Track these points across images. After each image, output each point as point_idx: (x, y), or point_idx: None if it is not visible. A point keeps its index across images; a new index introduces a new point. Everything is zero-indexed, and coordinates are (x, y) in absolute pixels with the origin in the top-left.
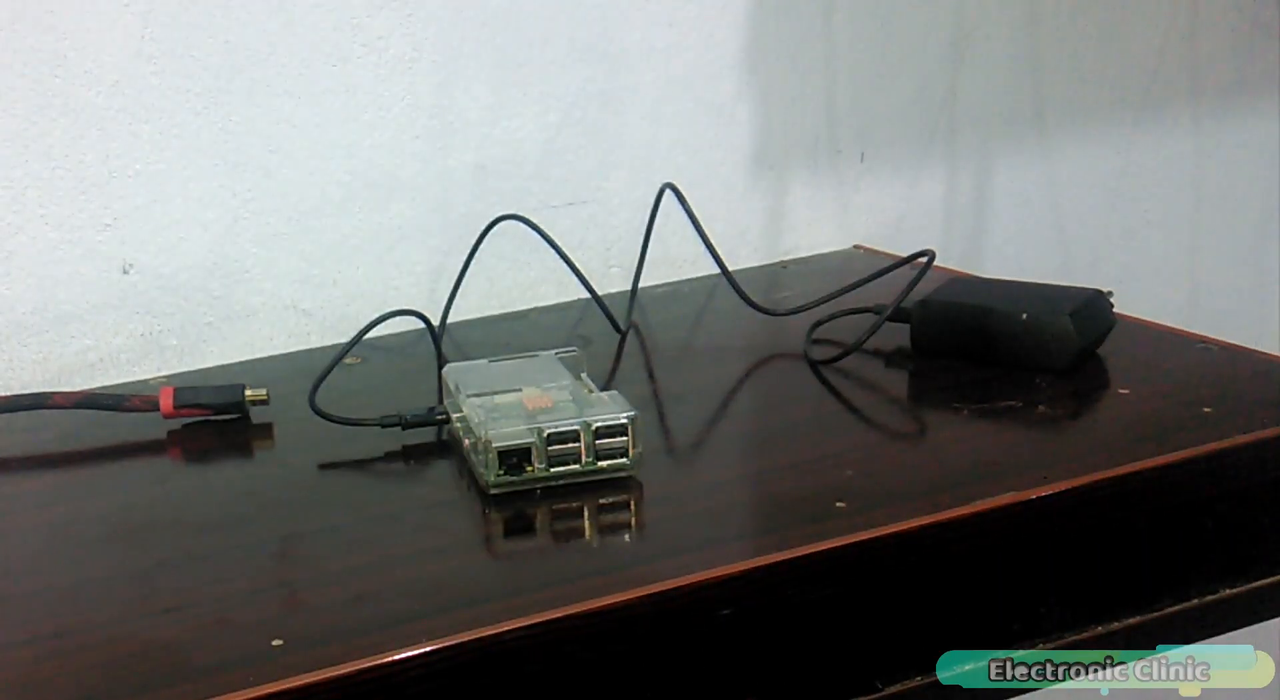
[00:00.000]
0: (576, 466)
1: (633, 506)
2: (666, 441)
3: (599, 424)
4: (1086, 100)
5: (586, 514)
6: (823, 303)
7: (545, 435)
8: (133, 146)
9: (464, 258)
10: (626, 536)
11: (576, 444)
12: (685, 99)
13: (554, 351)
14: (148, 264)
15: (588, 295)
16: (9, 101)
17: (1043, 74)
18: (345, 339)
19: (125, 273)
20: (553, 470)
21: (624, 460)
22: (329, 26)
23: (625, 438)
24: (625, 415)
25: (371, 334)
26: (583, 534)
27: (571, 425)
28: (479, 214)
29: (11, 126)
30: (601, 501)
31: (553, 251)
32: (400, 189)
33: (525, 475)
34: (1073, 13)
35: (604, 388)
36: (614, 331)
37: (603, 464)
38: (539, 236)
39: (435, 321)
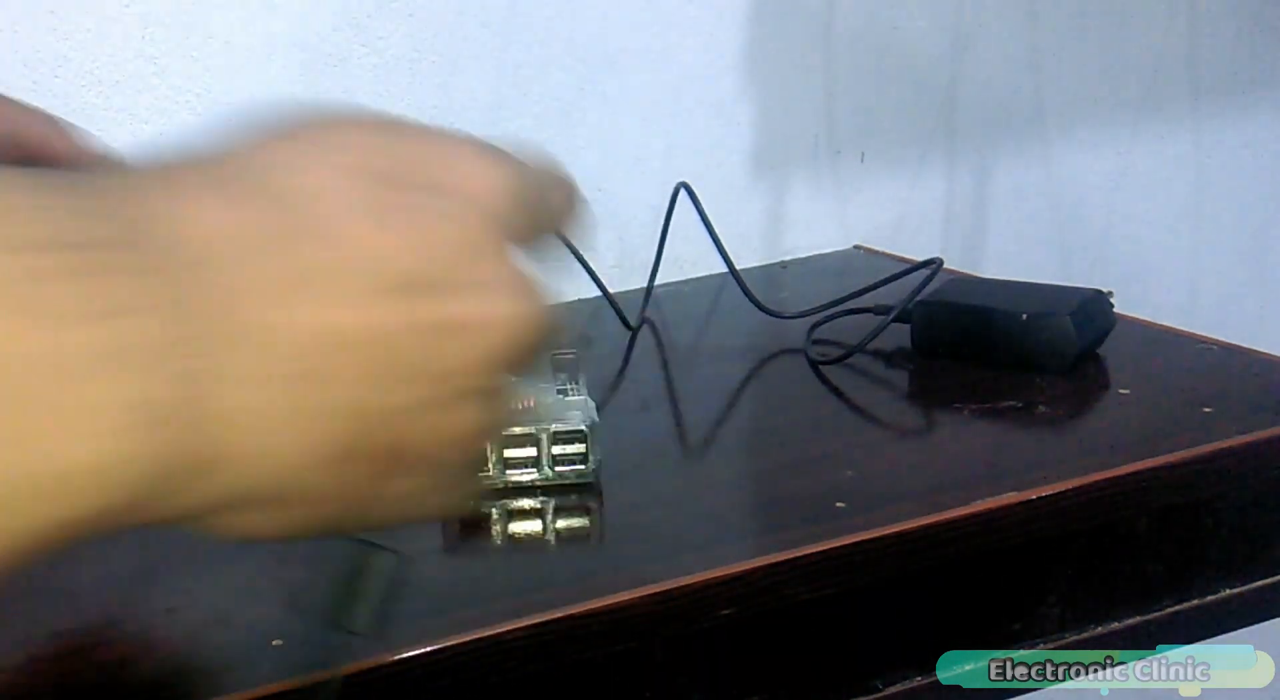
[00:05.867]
0: (535, 473)
1: (631, 507)
2: (667, 441)
3: (557, 430)
4: (1086, 100)
5: (589, 515)
6: (831, 306)
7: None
8: (133, 147)
9: None
10: (625, 537)
11: (533, 451)
12: (685, 99)
13: (550, 351)
14: None
15: (592, 294)
16: None
17: (1043, 74)
18: None
19: None
20: (508, 475)
21: (581, 467)
22: (329, 27)
23: (583, 446)
24: (584, 423)
25: None
26: (587, 535)
27: (526, 431)
28: None
29: None
30: (601, 502)
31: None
32: None
33: (481, 479)
34: (1073, 13)
35: (612, 386)
36: (624, 329)
37: (561, 470)
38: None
39: None
